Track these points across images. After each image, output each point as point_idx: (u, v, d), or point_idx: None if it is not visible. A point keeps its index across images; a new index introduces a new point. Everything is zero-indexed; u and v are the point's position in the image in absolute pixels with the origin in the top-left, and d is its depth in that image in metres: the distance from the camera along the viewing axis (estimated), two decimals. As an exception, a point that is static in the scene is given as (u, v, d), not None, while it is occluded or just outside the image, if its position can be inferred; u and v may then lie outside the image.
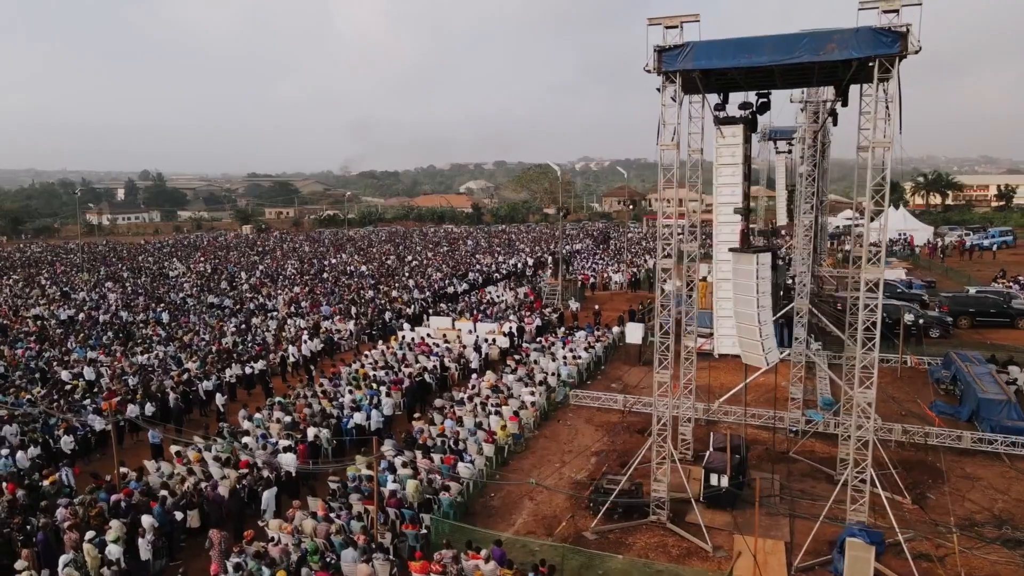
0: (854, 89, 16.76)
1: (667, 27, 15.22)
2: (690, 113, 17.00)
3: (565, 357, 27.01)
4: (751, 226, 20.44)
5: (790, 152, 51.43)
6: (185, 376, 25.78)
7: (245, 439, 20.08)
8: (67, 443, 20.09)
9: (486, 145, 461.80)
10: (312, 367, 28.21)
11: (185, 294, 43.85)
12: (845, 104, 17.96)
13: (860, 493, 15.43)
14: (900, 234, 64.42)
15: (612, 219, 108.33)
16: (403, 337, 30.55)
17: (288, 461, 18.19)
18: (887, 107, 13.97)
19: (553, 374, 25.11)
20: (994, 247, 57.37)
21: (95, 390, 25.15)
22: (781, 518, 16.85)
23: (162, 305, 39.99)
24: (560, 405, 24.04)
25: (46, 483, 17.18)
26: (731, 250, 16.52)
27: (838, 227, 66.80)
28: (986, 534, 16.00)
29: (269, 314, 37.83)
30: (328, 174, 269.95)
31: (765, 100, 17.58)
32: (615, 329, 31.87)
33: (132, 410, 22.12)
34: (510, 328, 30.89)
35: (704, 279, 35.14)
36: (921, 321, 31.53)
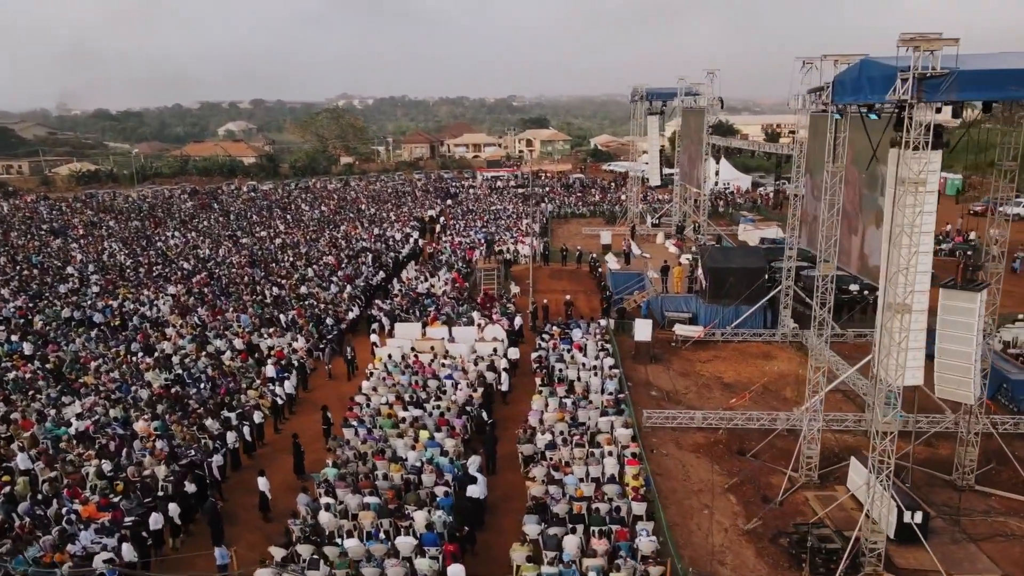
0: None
1: (924, 50, 13.63)
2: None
3: (596, 367, 25.07)
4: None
5: (663, 113, 52.57)
6: (161, 447, 19.91)
7: (349, 544, 15.87)
8: (102, 594, 14.43)
9: (236, 81, 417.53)
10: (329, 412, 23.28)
11: (13, 305, 34.24)
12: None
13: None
14: (725, 185, 68.81)
15: (422, 169, 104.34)
16: (389, 356, 26.29)
17: (456, 574, 14.59)
18: None
19: (610, 393, 23.10)
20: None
21: (41, 487, 18.54)
22: (968, 545, 16.91)
23: (2, 328, 30.80)
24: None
25: None
26: (943, 286, 15.79)
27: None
28: None
29: (164, 331, 30.75)
30: (44, 113, 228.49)
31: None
32: (602, 322, 30.31)
33: (155, 519, 16.47)
34: (505, 334, 28.01)
35: (679, 264, 34.79)
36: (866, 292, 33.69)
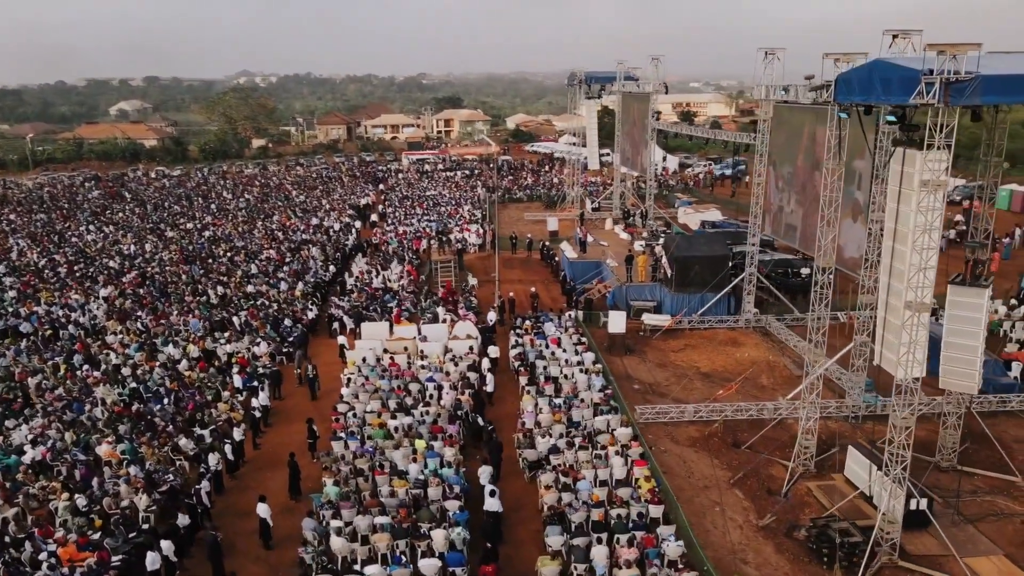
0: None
1: (950, 55, 13.77)
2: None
3: (582, 363, 24.79)
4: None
5: (600, 96, 52.62)
6: (135, 473, 18.34)
7: (369, 571, 15.04)
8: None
9: (124, 56, 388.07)
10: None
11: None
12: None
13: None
14: (656, 166, 69.61)
15: (341, 152, 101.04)
16: (363, 359, 25.15)
17: (497, 599, 14.06)
18: None
19: (600, 390, 22.89)
20: (741, 177, 65.10)
21: (6, 527, 16.76)
22: (967, 526, 17.58)
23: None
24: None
25: None
26: (952, 283, 16.21)
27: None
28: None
29: (104, 339, 28.44)
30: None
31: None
32: (569, 314, 30.06)
33: (152, 559, 15.10)
34: (478, 331, 27.32)
35: (643, 253, 34.79)
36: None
